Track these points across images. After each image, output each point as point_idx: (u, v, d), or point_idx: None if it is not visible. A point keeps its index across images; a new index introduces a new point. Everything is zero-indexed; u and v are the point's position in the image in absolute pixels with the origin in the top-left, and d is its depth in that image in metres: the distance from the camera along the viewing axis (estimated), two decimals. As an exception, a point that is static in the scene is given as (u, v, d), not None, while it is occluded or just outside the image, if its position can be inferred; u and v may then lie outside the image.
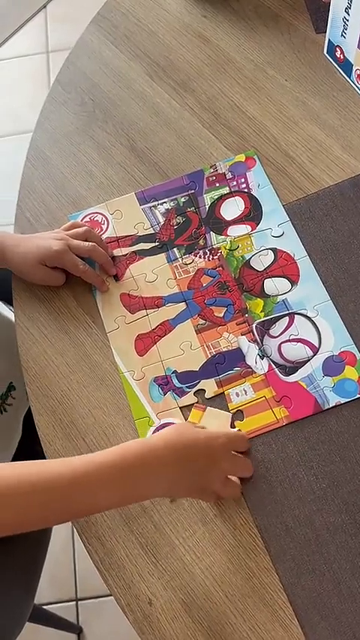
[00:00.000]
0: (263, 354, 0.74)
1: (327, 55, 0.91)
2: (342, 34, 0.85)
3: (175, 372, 0.74)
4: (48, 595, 1.44)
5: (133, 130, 0.90)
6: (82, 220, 0.85)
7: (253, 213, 0.82)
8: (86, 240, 0.80)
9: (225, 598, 0.64)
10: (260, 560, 0.65)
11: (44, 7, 2.28)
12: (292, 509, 0.67)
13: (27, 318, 0.80)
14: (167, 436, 0.63)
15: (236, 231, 0.82)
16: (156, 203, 0.85)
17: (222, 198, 0.84)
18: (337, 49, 0.88)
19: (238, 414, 0.71)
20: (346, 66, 0.88)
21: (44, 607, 1.30)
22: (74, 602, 1.46)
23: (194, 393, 0.73)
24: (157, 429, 0.72)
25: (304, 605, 0.63)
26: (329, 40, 0.89)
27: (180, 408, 0.72)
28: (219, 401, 0.72)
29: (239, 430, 0.70)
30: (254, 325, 0.76)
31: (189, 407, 0.72)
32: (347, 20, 0.82)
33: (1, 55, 2.25)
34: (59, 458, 0.71)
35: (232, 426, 0.70)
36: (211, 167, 0.86)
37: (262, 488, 0.68)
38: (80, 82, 0.95)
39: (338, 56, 0.88)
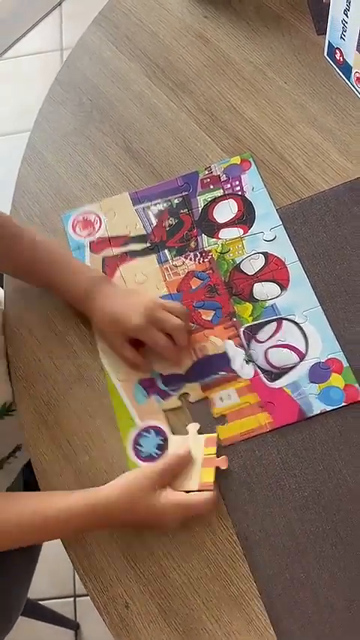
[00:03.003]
0: (249, 359, 0.73)
1: (327, 57, 0.90)
2: (341, 36, 0.84)
3: (160, 374, 0.74)
4: (46, 591, 1.45)
5: (129, 130, 0.90)
6: (74, 220, 0.84)
7: (245, 217, 0.82)
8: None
9: (202, 604, 0.64)
10: (238, 567, 0.65)
11: (59, 4, 2.29)
12: (273, 516, 0.66)
13: (16, 318, 0.80)
14: (120, 497, 0.64)
15: (228, 234, 0.81)
16: (149, 204, 0.85)
17: (215, 200, 0.84)
18: (337, 51, 0.87)
19: (221, 419, 0.71)
20: (346, 68, 0.86)
21: (42, 602, 1.31)
22: (72, 599, 1.47)
23: (178, 397, 0.73)
24: (139, 432, 0.72)
25: (281, 614, 0.63)
26: (329, 42, 0.87)
27: (164, 410, 0.72)
28: (203, 405, 0.72)
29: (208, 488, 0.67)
30: (242, 330, 0.75)
31: (172, 410, 0.72)
32: (346, 22, 0.81)
33: (16, 52, 2.26)
34: (46, 463, 0.72)
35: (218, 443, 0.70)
36: (205, 169, 0.86)
37: (243, 495, 0.67)
38: (79, 83, 0.95)
39: (338, 58, 0.87)
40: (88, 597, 0.66)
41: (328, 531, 0.65)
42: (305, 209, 0.81)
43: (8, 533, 0.63)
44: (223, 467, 0.67)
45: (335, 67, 0.89)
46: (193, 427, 0.71)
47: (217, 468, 0.67)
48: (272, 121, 0.87)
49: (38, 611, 1.27)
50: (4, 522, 0.62)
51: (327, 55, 0.90)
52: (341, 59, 0.87)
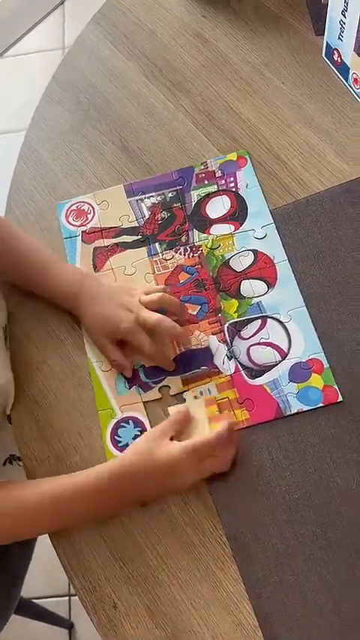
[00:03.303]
0: (231, 355, 0.74)
1: (325, 57, 0.89)
2: (339, 37, 0.84)
3: (142, 365, 0.74)
4: (41, 589, 1.45)
5: (126, 129, 0.90)
6: (68, 209, 0.85)
7: (238, 213, 0.82)
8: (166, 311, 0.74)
9: (190, 605, 0.64)
10: (227, 568, 0.65)
11: (62, 3, 2.29)
12: (263, 518, 0.66)
13: (9, 315, 0.80)
14: (133, 457, 0.66)
15: (219, 230, 0.81)
16: (143, 196, 0.85)
17: (209, 195, 0.84)
18: (335, 52, 0.86)
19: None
20: (343, 69, 0.86)
21: (36, 601, 1.30)
22: (67, 598, 1.47)
23: (159, 389, 0.73)
24: (118, 422, 0.72)
25: (269, 617, 0.62)
26: (327, 42, 0.87)
27: (144, 402, 0.73)
28: (182, 399, 0.72)
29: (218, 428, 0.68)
30: (226, 325, 0.75)
31: (152, 402, 0.73)
32: (344, 23, 0.81)
33: (18, 50, 2.26)
34: (37, 462, 0.71)
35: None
36: (201, 164, 0.85)
37: (233, 496, 0.67)
38: (77, 81, 0.95)
39: (336, 59, 0.87)
40: (82, 596, 0.66)
41: (318, 534, 0.64)
42: (300, 210, 0.80)
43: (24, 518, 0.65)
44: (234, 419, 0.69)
45: (333, 67, 0.89)
46: (189, 395, 0.72)
47: None
48: (269, 122, 0.87)
49: (32, 610, 1.26)
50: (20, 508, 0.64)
51: (325, 55, 0.89)
52: (339, 60, 0.86)
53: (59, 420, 0.73)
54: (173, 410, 0.70)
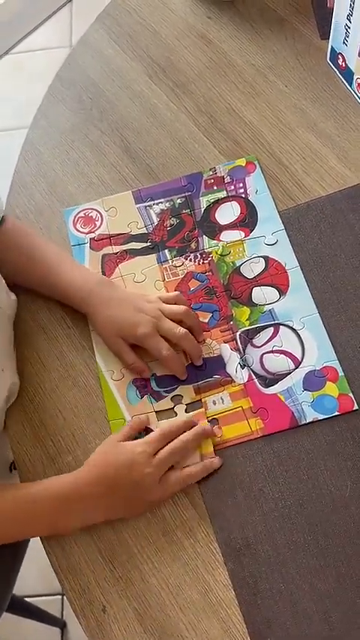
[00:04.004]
0: (244, 364, 0.73)
1: (329, 62, 0.89)
2: (344, 42, 0.83)
3: (154, 375, 0.74)
4: (34, 587, 1.44)
5: (128, 130, 0.89)
6: (76, 216, 0.84)
7: (248, 220, 0.81)
8: (180, 321, 0.72)
9: (179, 610, 0.63)
10: (218, 574, 0.64)
11: (69, 1, 2.28)
12: (255, 525, 0.66)
13: (7, 315, 0.80)
14: (94, 469, 0.66)
15: (229, 236, 0.81)
16: (152, 203, 0.84)
17: (218, 202, 0.83)
18: (339, 56, 0.86)
19: (214, 422, 0.70)
20: (348, 74, 0.86)
21: (28, 599, 1.30)
22: (60, 597, 1.46)
23: (171, 398, 0.72)
24: None
25: (259, 624, 0.62)
26: (332, 47, 0.87)
27: (156, 412, 0.72)
28: (195, 408, 0.71)
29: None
30: (238, 333, 0.75)
31: (164, 411, 0.72)
32: (349, 28, 0.81)
33: (25, 47, 2.26)
34: (29, 462, 0.71)
35: None
36: (210, 170, 0.85)
37: (225, 502, 0.67)
38: (80, 80, 0.95)
39: (340, 64, 0.86)
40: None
41: (310, 542, 0.64)
42: (301, 215, 0.80)
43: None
44: (218, 435, 0.69)
45: (337, 72, 0.88)
46: (180, 409, 0.71)
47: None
48: (272, 125, 0.86)
49: (24, 608, 1.26)
50: None
51: (329, 60, 0.89)
52: (343, 65, 0.86)
53: (53, 421, 0.73)
54: (162, 423, 0.70)
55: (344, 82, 0.87)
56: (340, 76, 0.88)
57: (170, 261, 0.80)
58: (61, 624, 1.42)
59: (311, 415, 0.69)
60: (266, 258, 0.79)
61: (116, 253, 0.82)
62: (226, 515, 0.66)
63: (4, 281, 0.76)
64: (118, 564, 0.66)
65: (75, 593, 0.65)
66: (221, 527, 0.66)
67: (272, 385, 0.71)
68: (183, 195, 0.84)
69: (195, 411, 0.71)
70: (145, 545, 0.66)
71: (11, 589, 1.00)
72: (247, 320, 0.75)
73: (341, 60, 0.86)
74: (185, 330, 0.72)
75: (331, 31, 0.85)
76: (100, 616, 0.64)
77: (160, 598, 0.64)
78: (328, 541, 0.64)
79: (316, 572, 0.63)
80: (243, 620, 0.62)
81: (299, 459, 0.68)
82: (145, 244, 0.82)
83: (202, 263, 0.80)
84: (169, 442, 0.67)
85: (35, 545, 0.99)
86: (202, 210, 0.83)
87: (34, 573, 1.43)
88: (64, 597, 1.44)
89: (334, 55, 0.87)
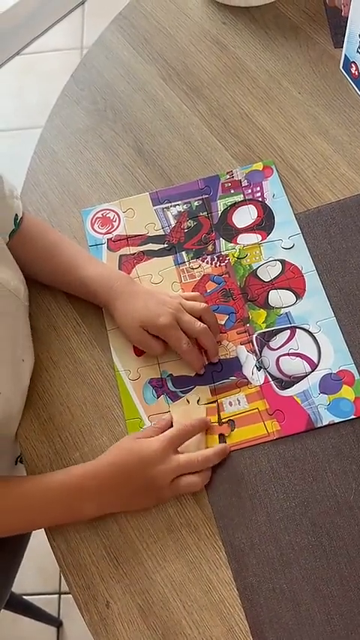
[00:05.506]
0: (260, 366, 0.73)
1: (343, 70, 0.90)
2: (358, 50, 0.84)
3: (170, 375, 0.74)
4: (31, 585, 1.45)
5: (141, 132, 0.90)
6: (94, 216, 0.85)
7: (265, 223, 0.82)
8: (200, 318, 0.73)
9: (182, 608, 0.64)
10: (221, 573, 0.65)
11: (82, 3, 2.30)
12: (259, 525, 0.66)
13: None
14: (113, 459, 0.67)
15: (246, 239, 0.81)
16: (169, 205, 0.85)
17: (235, 205, 0.84)
18: (353, 64, 0.87)
19: (230, 424, 0.71)
20: (360, 82, 0.87)
21: (25, 597, 1.30)
22: (57, 596, 1.46)
23: (187, 399, 0.73)
24: None
25: (261, 624, 0.62)
26: (345, 55, 0.88)
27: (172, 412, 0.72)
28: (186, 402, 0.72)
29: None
30: (254, 336, 0.75)
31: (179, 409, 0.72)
32: (363, 36, 0.81)
33: (38, 48, 2.28)
34: (37, 457, 0.72)
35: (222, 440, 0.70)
36: (227, 173, 0.86)
37: (231, 502, 0.67)
38: (95, 81, 0.96)
39: (353, 72, 0.87)
40: (73, 594, 0.66)
41: (314, 544, 0.65)
42: (311, 220, 0.81)
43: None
44: (227, 433, 0.70)
45: (350, 80, 0.89)
46: (193, 397, 0.72)
47: (221, 437, 0.70)
48: (284, 131, 0.87)
49: (22, 606, 1.26)
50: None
51: (343, 68, 0.90)
52: (356, 73, 0.87)
53: (61, 417, 0.73)
54: (178, 411, 0.71)
55: (357, 90, 0.88)
56: (353, 84, 0.89)
57: (187, 263, 0.81)
58: (58, 623, 1.42)
59: (327, 418, 0.69)
60: (283, 262, 0.79)
61: (133, 254, 0.82)
62: (231, 515, 0.67)
63: (22, 274, 0.77)
64: (123, 560, 0.66)
65: (79, 588, 0.66)
66: (226, 526, 0.66)
67: (288, 387, 0.72)
68: (200, 197, 0.85)
69: (208, 404, 0.72)
70: (150, 543, 0.66)
71: (10, 586, 1.00)
72: (263, 322, 0.76)
73: (354, 68, 0.87)
74: (204, 325, 0.73)
75: (345, 39, 0.86)
76: (104, 611, 0.64)
77: (163, 595, 0.64)
78: (331, 543, 0.64)
79: (320, 574, 0.63)
80: (245, 620, 0.62)
81: (305, 461, 0.68)
82: (162, 246, 0.83)
83: (219, 265, 0.80)
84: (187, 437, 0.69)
85: (34, 545, 1.00)
86: (219, 213, 0.84)
87: (32, 572, 1.43)
88: (61, 597, 1.45)
89: (348, 63, 0.88)
